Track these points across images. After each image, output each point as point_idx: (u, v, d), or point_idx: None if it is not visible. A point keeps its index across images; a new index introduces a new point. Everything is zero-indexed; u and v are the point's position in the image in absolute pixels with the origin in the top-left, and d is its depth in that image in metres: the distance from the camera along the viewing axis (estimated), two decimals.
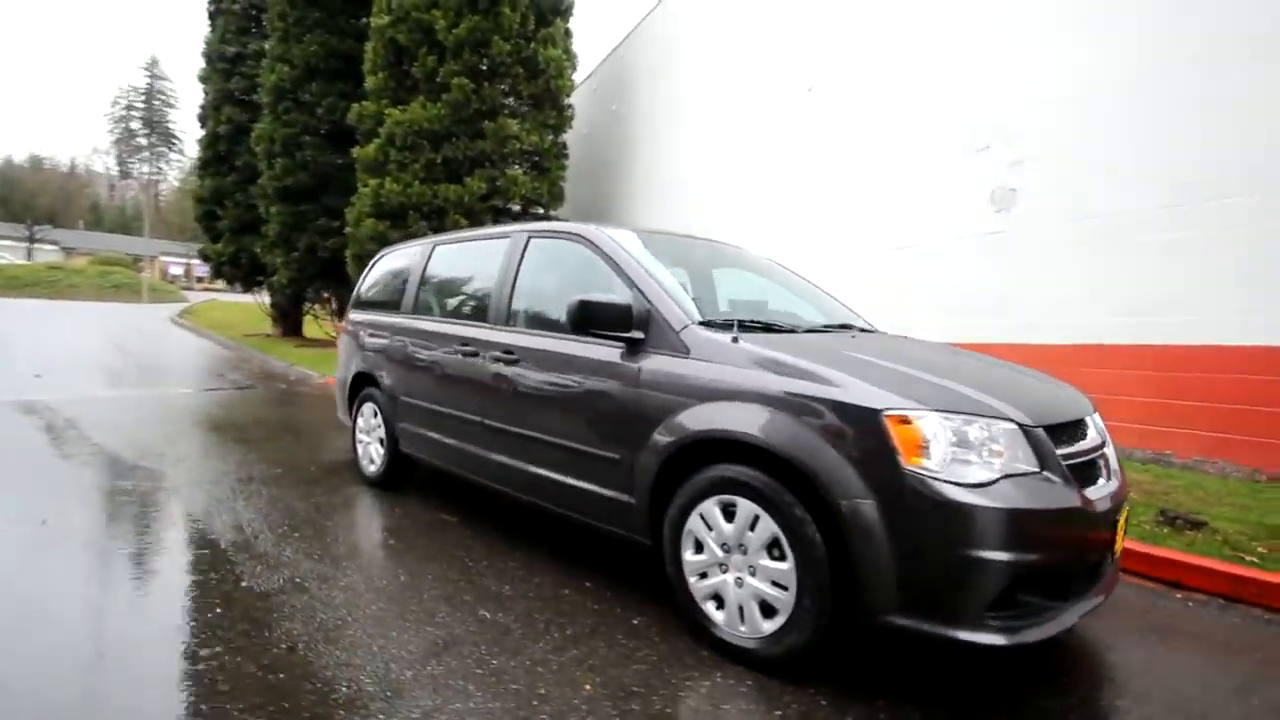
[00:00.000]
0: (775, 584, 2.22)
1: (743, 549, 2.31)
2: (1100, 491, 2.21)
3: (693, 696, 2.12)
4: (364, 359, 4.58)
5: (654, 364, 2.61)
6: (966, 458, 2.00)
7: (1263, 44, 4.70)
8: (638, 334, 2.68)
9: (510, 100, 11.51)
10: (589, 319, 2.68)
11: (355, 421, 4.72)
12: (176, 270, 55.46)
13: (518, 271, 3.43)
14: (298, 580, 2.91)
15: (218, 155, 17.80)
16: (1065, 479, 2.08)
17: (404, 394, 4.11)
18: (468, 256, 4.00)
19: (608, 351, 2.81)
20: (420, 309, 4.19)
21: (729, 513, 2.35)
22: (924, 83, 6.90)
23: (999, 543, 1.90)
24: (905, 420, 2.02)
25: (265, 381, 10.48)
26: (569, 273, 3.34)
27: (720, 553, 2.38)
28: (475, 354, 3.48)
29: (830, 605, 2.10)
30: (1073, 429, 2.28)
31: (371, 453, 4.52)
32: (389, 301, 4.56)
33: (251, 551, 3.23)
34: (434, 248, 4.26)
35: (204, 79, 18.10)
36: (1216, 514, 3.89)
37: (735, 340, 2.46)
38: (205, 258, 18.66)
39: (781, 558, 2.21)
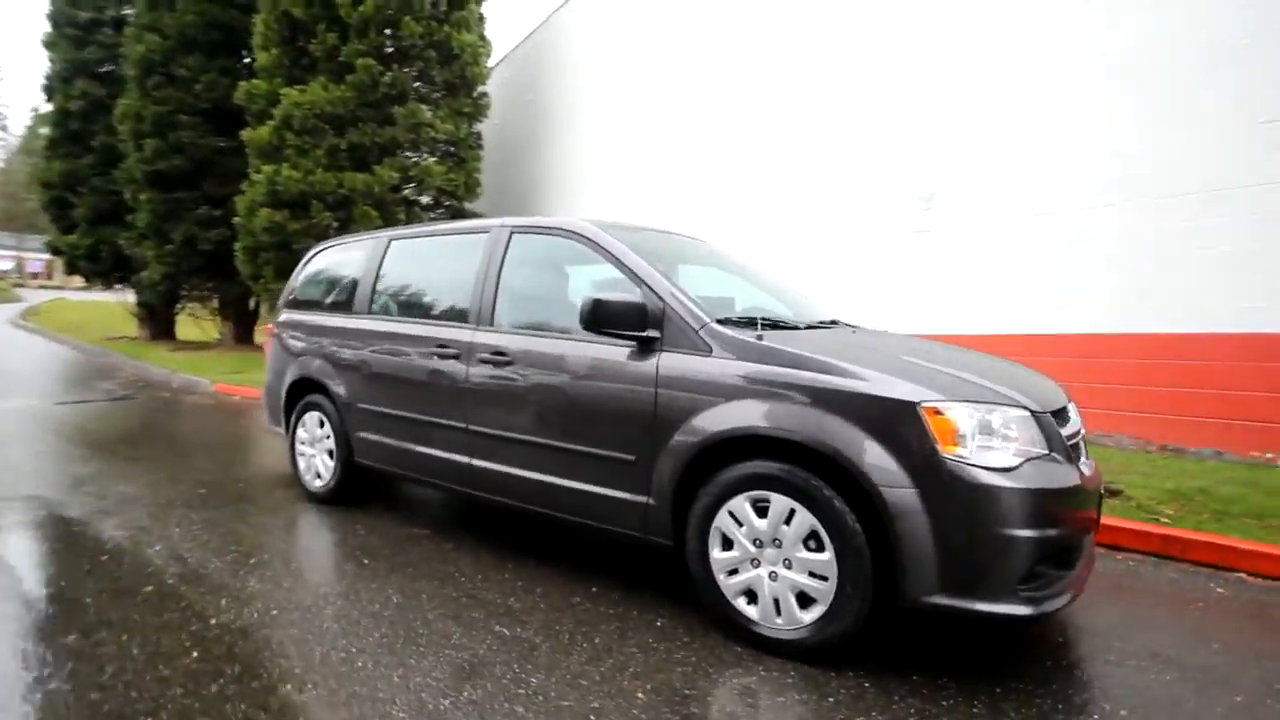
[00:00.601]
0: (813, 575, 2.27)
1: (777, 543, 2.34)
2: (1088, 470, 2.43)
3: (746, 693, 2.13)
4: (305, 364, 4.20)
5: (673, 363, 2.58)
6: (991, 444, 2.13)
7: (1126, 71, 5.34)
8: (653, 333, 2.63)
9: (422, 86, 10.93)
10: (604, 318, 2.60)
11: (294, 433, 4.32)
12: (5, 265, 48.29)
13: (501, 269, 3.27)
14: (276, 612, 2.62)
15: (69, 134, 15.67)
16: (1068, 459, 2.27)
17: (362, 401, 3.81)
18: (434, 252, 3.76)
19: (615, 350, 2.75)
20: (377, 309, 3.89)
21: (760, 508, 2.37)
22: (846, 85, 7.27)
23: (1027, 521, 2.05)
24: (938, 412, 2.12)
25: (145, 391, 9.37)
26: (562, 270, 3.23)
27: (752, 548, 2.39)
28: (455, 356, 3.29)
29: (871, 592, 2.17)
30: (1062, 414, 2.49)
31: (317, 466, 4.16)
32: (335, 301, 4.21)
33: (207, 584, 2.88)
34: (389, 243, 3.97)
35: (49, 45, 15.83)
36: (1127, 482, 4.40)
37: (760, 338, 2.48)
38: (56, 250, 16.38)
39: (819, 549, 2.26)
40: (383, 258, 3.95)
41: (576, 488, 2.85)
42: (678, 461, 2.52)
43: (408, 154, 10.82)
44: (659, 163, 9.82)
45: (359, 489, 4.13)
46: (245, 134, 10.87)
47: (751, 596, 2.41)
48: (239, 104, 11.25)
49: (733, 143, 8.67)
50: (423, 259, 3.83)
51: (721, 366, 2.48)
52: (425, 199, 11.19)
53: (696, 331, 2.57)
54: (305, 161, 10.24)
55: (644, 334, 2.63)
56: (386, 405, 3.67)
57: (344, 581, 2.95)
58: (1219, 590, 3.09)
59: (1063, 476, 2.19)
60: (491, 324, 3.23)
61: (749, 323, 2.66)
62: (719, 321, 2.59)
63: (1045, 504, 2.09)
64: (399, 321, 3.70)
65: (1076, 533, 2.27)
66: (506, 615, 2.65)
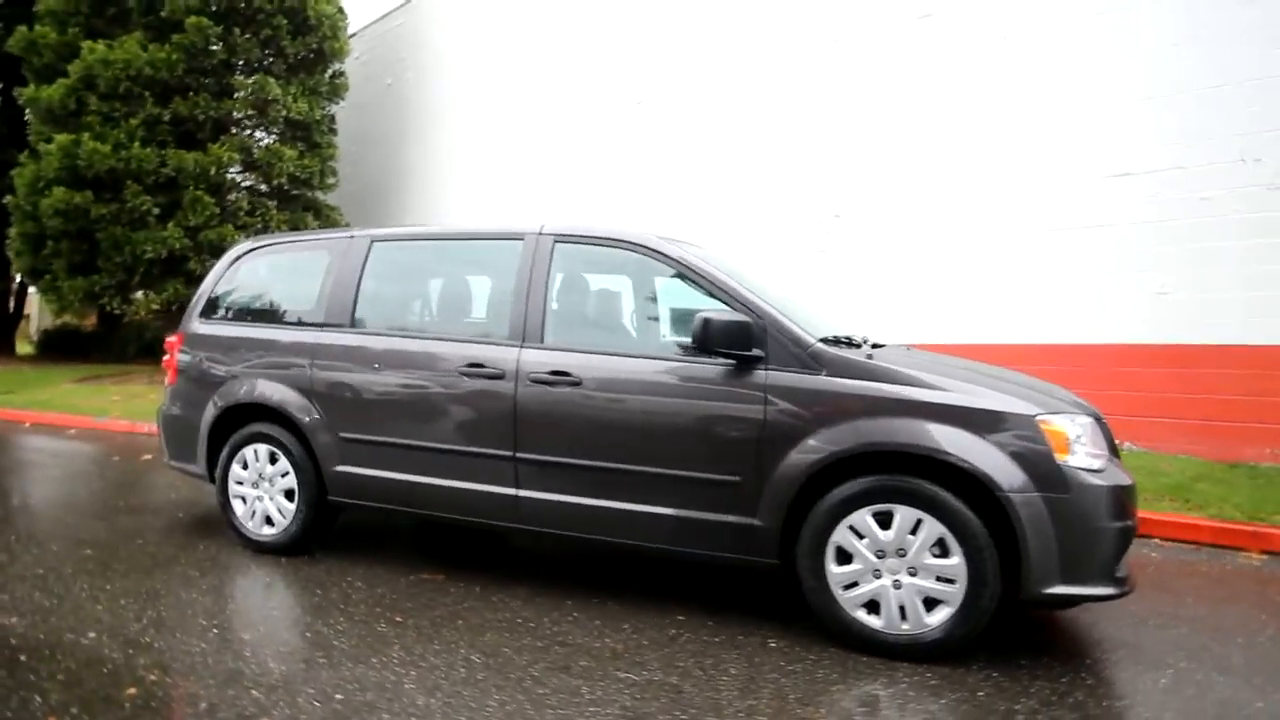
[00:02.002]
0: (940, 579, 2.41)
1: (901, 553, 2.44)
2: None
3: (909, 701, 2.20)
4: (245, 388, 3.47)
5: (783, 381, 2.57)
6: (1085, 449, 2.44)
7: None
8: (758, 351, 2.61)
9: (269, 57, 9.45)
10: (717, 338, 2.53)
11: (226, 471, 3.54)
12: None
13: (547, 280, 3.00)
14: (343, 696, 2.14)
15: None
16: (1118, 459, 2.68)
17: (347, 430, 3.24)
18: (441, 259, 3.33)
19: (710, 370, 2.67)
20: (364, 323, 3.33)
21: (882, 520, 2.47)
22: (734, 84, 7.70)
23: (1117, 514, 2.38)
24: (1048, 423, 2.39)
25: None
26: (620, 283, 3.06)
27: (874, 559, 2.47)
28: (497, 377, 2.94)
29: (999, 589, 2.37)
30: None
31: (269, 510, 3.45)
32: (290, 313, 3.53)
33: (214, 677, 2.26)
34: (370, 245, 3.41)
35: None
36: None
37: (870, 357, 2.58)
38: None
39: (944, 554, 2.40)
40: (364, 262, 3.39)
41: (665, 514, 2.71)
42: (793, 480, 2.52)
43: (250, 133, 9.32)
44: (540, 167, 9.54)
45: (324, 532, 3.51)
46: (23, 92, 8.55)
47: (872, 607, 2.49)
48: (15, 54, 8.83)
49: (624, 148, 8.74)
50: (423, 266, 3.37)
51: (835, 385, 2.53)
52: (263, 187, 9.70)
53: (805, 350, 2.59)
54: (115, 133, 8.33)
55: (749, 353, 2.60)
56: (387, 434, 3.17)
57: (395, 647, 2.50)
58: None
59: (1125, 474, 2.57)
60: (542, 341, 2.95)
61: (835, 341, 2.74)
62: (821, 340, 2.64)
63: (1124, 499, 2.44)
64: (402, 338, 3.22)
65: (1137, 523, 2.68)
66: (617, 658, 2.44)
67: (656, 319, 3.14)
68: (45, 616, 2.68)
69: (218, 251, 8.94)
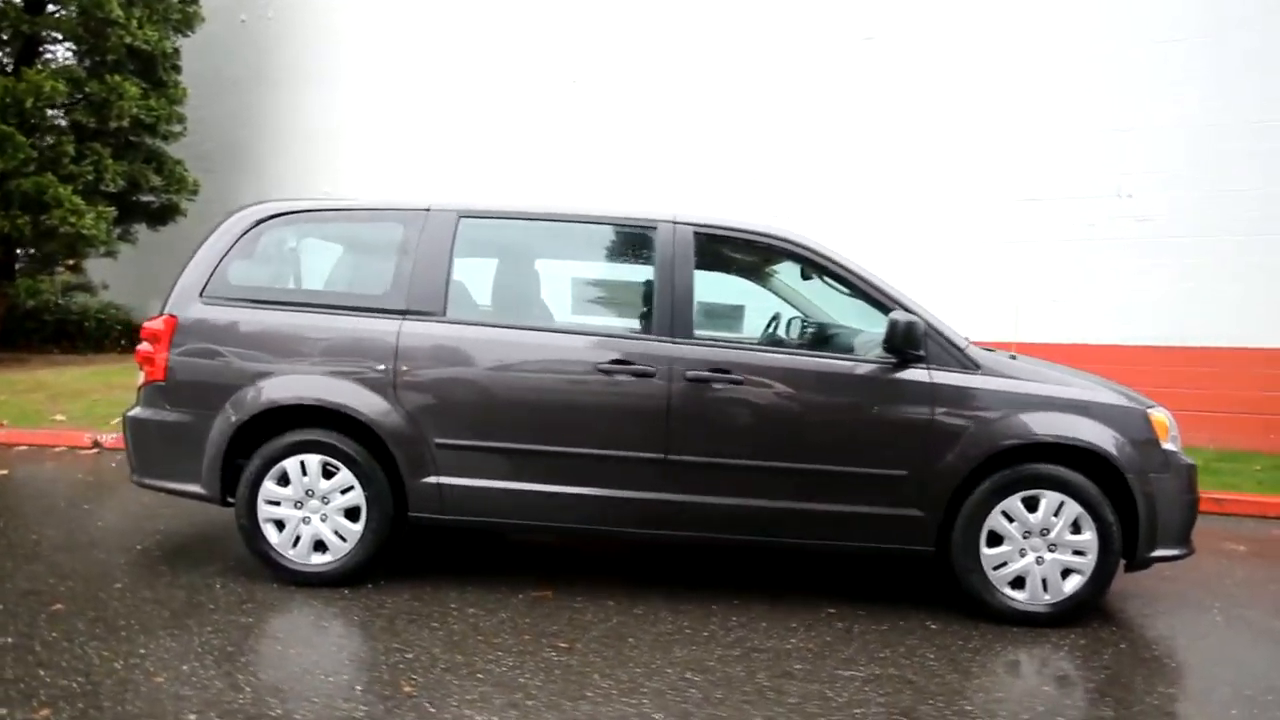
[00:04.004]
0: (1076, 552, 2.76)
1: (1044, 532, 2.74)
2: None
3: (1075, 661, 2.50)
4: (296, 387, 2.84)
5: (948, 380, 2.74)
6: (1173, 437, 2.91)
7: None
8: (921, 351, 2.75)
9: None
10: (903, 338, 2.62)
11: (256, 491, 2.87)
12: None
13: (692, 274, 2.85)
14: None
15: None
16: None
17: (448, 436, 2.80)
18: (552, 244, 3.00)
19: (872, 367, 2.77)
20: (457, 311, 2.88)
21: (1029, 505, 2.75)
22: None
23: (1194, 488, 2.90)
24: (1153, 415, 2.84)
25: None
26: (760, 277, 3.01)
27: (1022, 540, 2.76)
28: (648, 375, 2.74)
29: (1119, 558, 2.78)
30: None
31: (322, 534, 2.87)
32: (357, 298, 2.96)
33: None
34: (458, 221, 2.95)
35: None
36: None
37: (1014, 357, 2.84)
38: None
39: (1077, 531, 2.75)
40: (453, 241, 2.92)
41: (829, 510, 2.76)
42: (958, 472, 2.71)
43: (82, 61, 7.33)
44: (459, 142, 8.79)
45: (383, 555, 3.01)
46: None
47: (1019, 582, 2.78)
48: None
49: (555, 126, 8.38)
50: (526, 249, 3.00)
51: (991, 383, 2.77)
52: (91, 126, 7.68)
53: (963, 350, 2.79)
54: None
55: (918, 353, 2.73)
56: (502, 439, 2.80)
57: (595, 676, 2.26)
58: None
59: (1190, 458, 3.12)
60: (691, 336, 2.81)
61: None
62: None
63: (1196, 477, 2.98)
64: (521, 330, 2.85)
65: None
66: (821, 658, 2.45)
67: (803, 315, 3.14)
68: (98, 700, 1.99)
69: (33, 206, 7.01)
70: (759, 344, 2.88)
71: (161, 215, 9.04)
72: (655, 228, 2.92)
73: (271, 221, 3.07)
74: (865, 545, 2.83)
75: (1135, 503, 2.73)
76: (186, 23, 8.45)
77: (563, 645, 2.47)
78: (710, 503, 2.79)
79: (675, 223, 2.92)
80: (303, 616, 2.67)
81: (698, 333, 2.83)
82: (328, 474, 2.87)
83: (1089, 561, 2.76)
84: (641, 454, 2.78)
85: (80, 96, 7.33)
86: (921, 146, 6.99)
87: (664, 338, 2.80)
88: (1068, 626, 2.76)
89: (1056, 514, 2.74)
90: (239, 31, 9.98)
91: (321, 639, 2.51)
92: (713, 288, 2.97)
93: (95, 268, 9.48)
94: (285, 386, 2.86)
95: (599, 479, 2.81)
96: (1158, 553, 2.79)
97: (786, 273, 3.01)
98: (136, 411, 3.03)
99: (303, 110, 9.71)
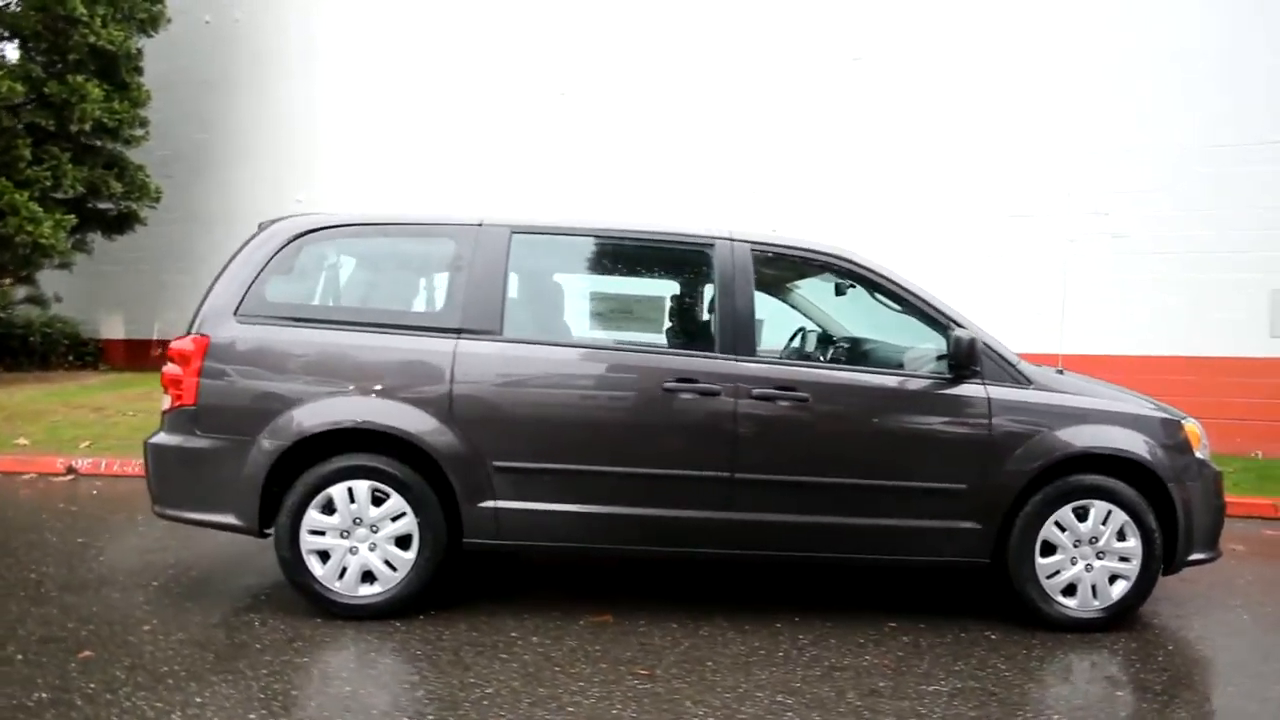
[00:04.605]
0: (1121, 559, 2.86)
1: (1094, 540, 2.84)
2: None
3: (1134, 665, 2.59)
4: (345, 410, 2.70)
5: (1004, 395, 2.81)
6: (1204, 446, 3.07)
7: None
8: (979, 367, 2.81)
9: None
10: (966, 355, 2.69)
11: (299, 519, 2.71)
12: None
13: (751, 292, 2.85)
14: None
15: None
16: None
17: (508, 459, 2.71)
18: (606, 262, 2.94)
19: (930, 384, 2.83)
20: (514, 330, 2.80)
21: (1079, 514, 2.84)
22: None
23: (1222, 494, 3.06)
24: (1187, 425, 2.98)
25: None
26: (817, 294, 3.04)
27: (1073, 548, 2.84)
28: (713, 393, 2.72)
29: (1160, 563, 2.89)
30: None
31: (371, 564, 2.74)
32: (408, 317, 2.86)
33: None
34: (510, 238, 2.87)
35: None
36: None
37: (1061, 372, 2.94)
38: None
39: (1122, 538, 2.86)
40: (507, 258, 2.84)
41: (890, 524, 2.80)
42: (1015, 485, 2.78)
43: (24, 58, 6.86)
44: (446, 157, 8.60)
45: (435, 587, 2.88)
46: None
47: (1071, 589, 2.86)
48: None
49: (544, 137, 8.30)
50: (579, 266, 2.95)
51: (1044, 397, 2.85)
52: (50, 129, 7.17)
53: (1014, 366, 2.87)
54: None
55: (976, 369, 2.80)
56: (564, 460, 2.74)
57: (687, 702, 2.21)
58: None
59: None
60: (753, 354, 2.81)
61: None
62: None
63: (1223, 484, 3.13)
64: (583, 348, 2.80)
65: None
66: (900, 674, 2.46)
67: (856, 334, 3.17)
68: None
69: None
70: (822, 361, 2.90)
71: (119, 224, 8.54)
72: (713, 245, 2.91)
73: (310, 236, 2.92)
74: (924, 558, 2.87)
75: (1174, 510, 2.86)
76: (152, 22, 8.03)
77: (643, 672, 2.42)
78: (775, 520, 2.79)
79: (732, 240, 2.92)
80: (359, 653, 2.53)
81: (762, 350, 2.84)
82: (377, 500, 2.74)
83: (1134, 567, 2.86)
84: (707, 473, 2.76)
85: (35, 97, 6.86)
86: (905, 163, 7.22)
87: (728, 356, 2.79)
88: (1115, 631, 2.87)
89: (1104, 522, 2.85)
90: (203, 33, 9.56)
91: (389, 677, 2.38)
92: (778, 306, 2.98)
93: (47, 279, 8.89)
94: (334, 409, 2.72)
95: (662, 499, 2.77)
96: (1192, 556, 2.93)
97: (838, 287, 3.04)
98: (160, 438, 2.83)
99: (273, 116, 9.36)
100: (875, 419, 2.79)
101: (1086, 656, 2.68)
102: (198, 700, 2.13)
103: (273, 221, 3.01)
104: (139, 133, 8.10)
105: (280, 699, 2.17)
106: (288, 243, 2.90)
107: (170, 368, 2.83)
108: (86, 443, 5.69)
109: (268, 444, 2.71)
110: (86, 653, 2.41)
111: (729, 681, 2.37)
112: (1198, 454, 2.96)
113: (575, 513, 2.76)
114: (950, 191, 7.03)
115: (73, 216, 7.34)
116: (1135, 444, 2.85)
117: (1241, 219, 6.34)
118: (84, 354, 9.48)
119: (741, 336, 2.81)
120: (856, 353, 3.31)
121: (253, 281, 2.84)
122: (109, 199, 8.16)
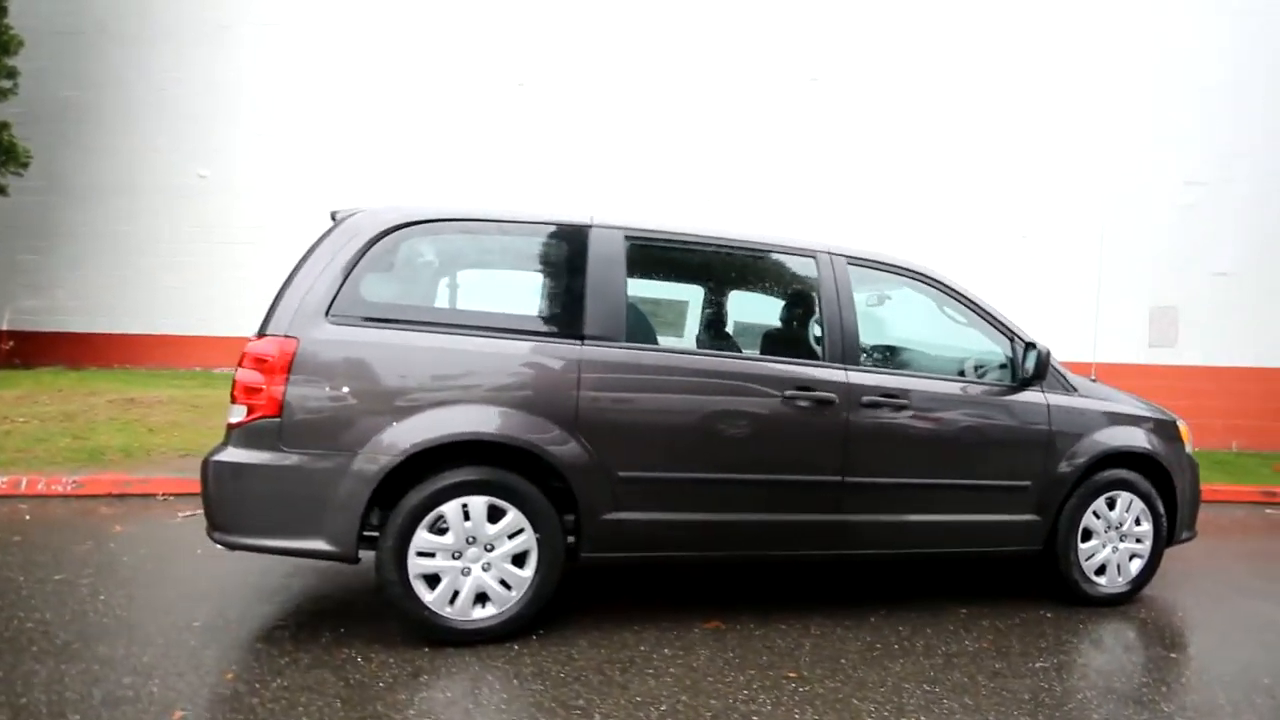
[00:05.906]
0: (1137, 540, 3.34)
1: (1119, 526, 3.30)
2: None
3: (1162, 628, 3.05)
4: (461, 420, 2.51)
5: (1058, 401, 3.18)
6: (1190, 441, 3.65)
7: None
8: (1044, 376, 3.16)
9: None
10: (1043, 365, 3.01)
11: (406, 541, 2.47)
12: None
13: (854, 304, 2.99)
14: None
15: None
16: None
17: (635, 469, 2.66)
18: (715, 269, 2.94)
19: (1003, 391, 3.15)
20: (636, 337, 2.73)
21: (1109, 503, 3.29)
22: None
23: (1199, 482, 3.67)
24: (1181, 424, 3.53)
25: None
26: (908, 310, 3.24)
27: (1104, 534, 3.28)
28: (829, 402, 2.82)
29: (1165, 542, 3.41)
30: None
31: (487, 585, 2.57)
32: (523, 320, 2.68)
33: None
34: (626, 242, 2.78)
35: None
36: None
37: (1094, 379, 3.36)
38: None
39: (1138, 523, 3.35)
40: (625, 262, 2.76)
41: (972, 520, 3.09)
42: (1068, 480, 3.17)
43: None
44: (391, 145, 8.00)
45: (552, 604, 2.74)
46: None
47: (1102, 569, 3.30)
48: None
49: (502, 130, 7.99)
50: (690, 272, 2.92)
51: (1088, 403, 3.27)
52: None
53: (1063, 375, 3.26)
54: None
55: (1043, 378, 3.14)
56: (691, 469, 2.73)
57: (853, 700, 2.31)
58: None
59: None
60: (858, 363, 2.95)
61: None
62: None
63: (1199, 473, 3.73)
64: (708, 356, 2.79)
65: None
66: (1004, 656, 2.73)
67: (941, 345, 3.40)
68: None
69: None
70: (916, 370, 3.11)
71: None
72: (815, 256, 3.03)
73: (407, 230, 2.66)
74: (996, 549, 3.18)
75: (1175, 497, 3.39)
76: (8, 46, 6.70)
77: (791, 675, 2.49)
78: (880, 520, 2.96)
79: (831, 254, 3.05)
80: (499, 681, 2.36)
81: (865, 360, 3.00)
82: (493, 517, 2.56)
83: (1146, 547, 3.37)
84: (820, 477, 2.87)
85: None
86: (855, 175, 7.78)
87: (838, 364, 2.92)
88: (1133, 603, 3.35)
89: (1127, 509, 3.32)
90: (57, 41, 8.09)
91: (554, 704, 2.24)
92: (875, 318, 3.15)
93: None
94: (448, 420, 2.51)
95: (779, 504, 2.85)
96: (1184, 536, 3.49)
97: (924, 302, 3.27)
98: (230, 454, 2.46)
99: (173, 79, 8.18)
100: (963, 424, 3.05)
101: (1127, 625, 3.12)
102: None
103: (351, 212, 2.70)
104: (7, 84, 6.75)
105: None
106: (379, 236, 2.62)
107: (246, 374, 2.46)
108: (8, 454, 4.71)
109: (372, 460, 2.44)
110: (180, 713, 2.06)
111: (874, 677, 2.50)
112: (1187, 447, 3.53)
113: (697, 521, 2.76)
114: (917, 207, 7.69)
115: None
116: (1152, 442, 3.35)
117: None
118: None
119: (849, 346, 2.95)
120: (928, 361, 3.55)
121: (345, 278, 2.54)
122: None
